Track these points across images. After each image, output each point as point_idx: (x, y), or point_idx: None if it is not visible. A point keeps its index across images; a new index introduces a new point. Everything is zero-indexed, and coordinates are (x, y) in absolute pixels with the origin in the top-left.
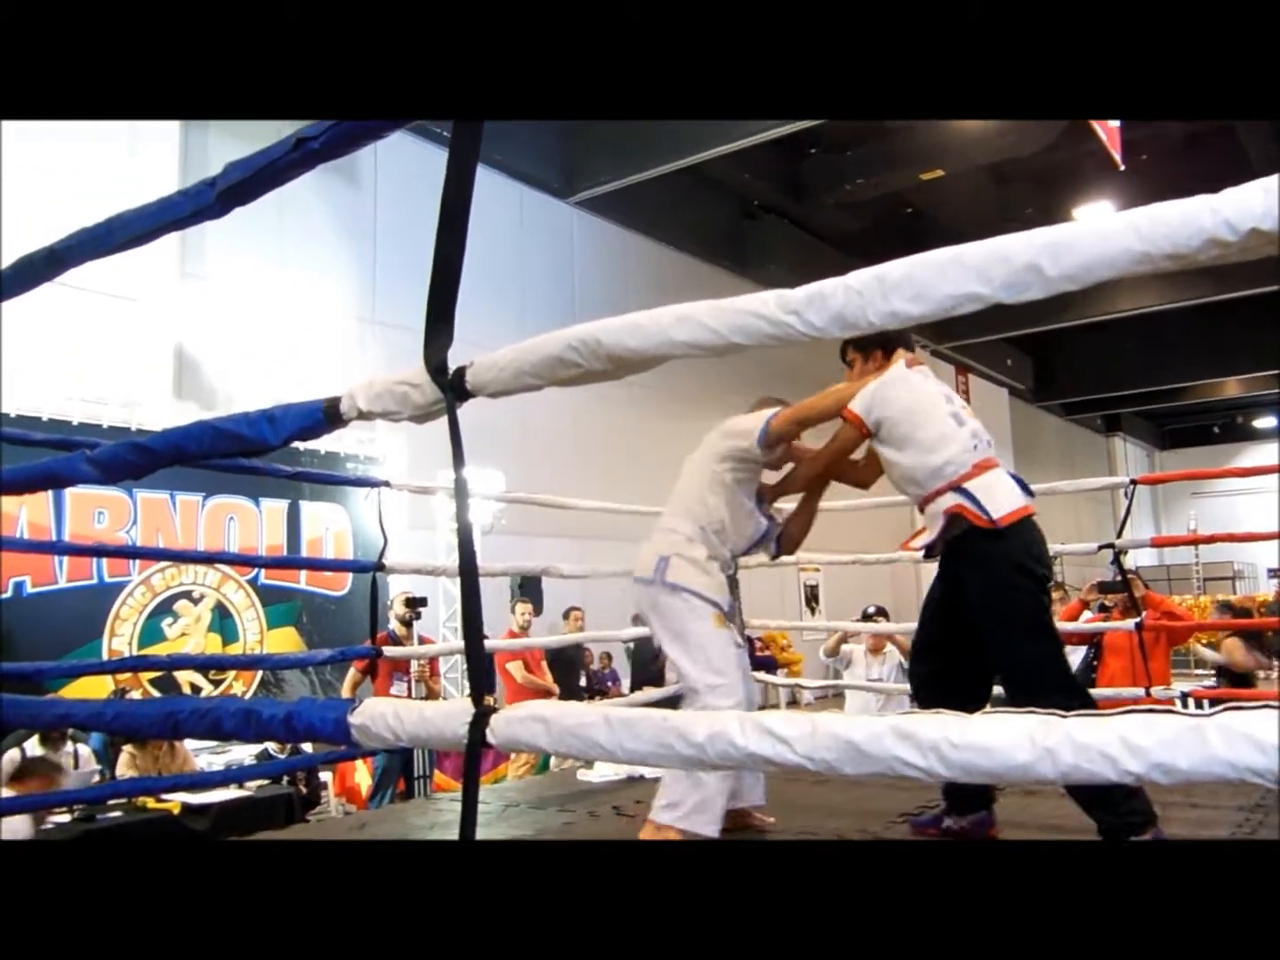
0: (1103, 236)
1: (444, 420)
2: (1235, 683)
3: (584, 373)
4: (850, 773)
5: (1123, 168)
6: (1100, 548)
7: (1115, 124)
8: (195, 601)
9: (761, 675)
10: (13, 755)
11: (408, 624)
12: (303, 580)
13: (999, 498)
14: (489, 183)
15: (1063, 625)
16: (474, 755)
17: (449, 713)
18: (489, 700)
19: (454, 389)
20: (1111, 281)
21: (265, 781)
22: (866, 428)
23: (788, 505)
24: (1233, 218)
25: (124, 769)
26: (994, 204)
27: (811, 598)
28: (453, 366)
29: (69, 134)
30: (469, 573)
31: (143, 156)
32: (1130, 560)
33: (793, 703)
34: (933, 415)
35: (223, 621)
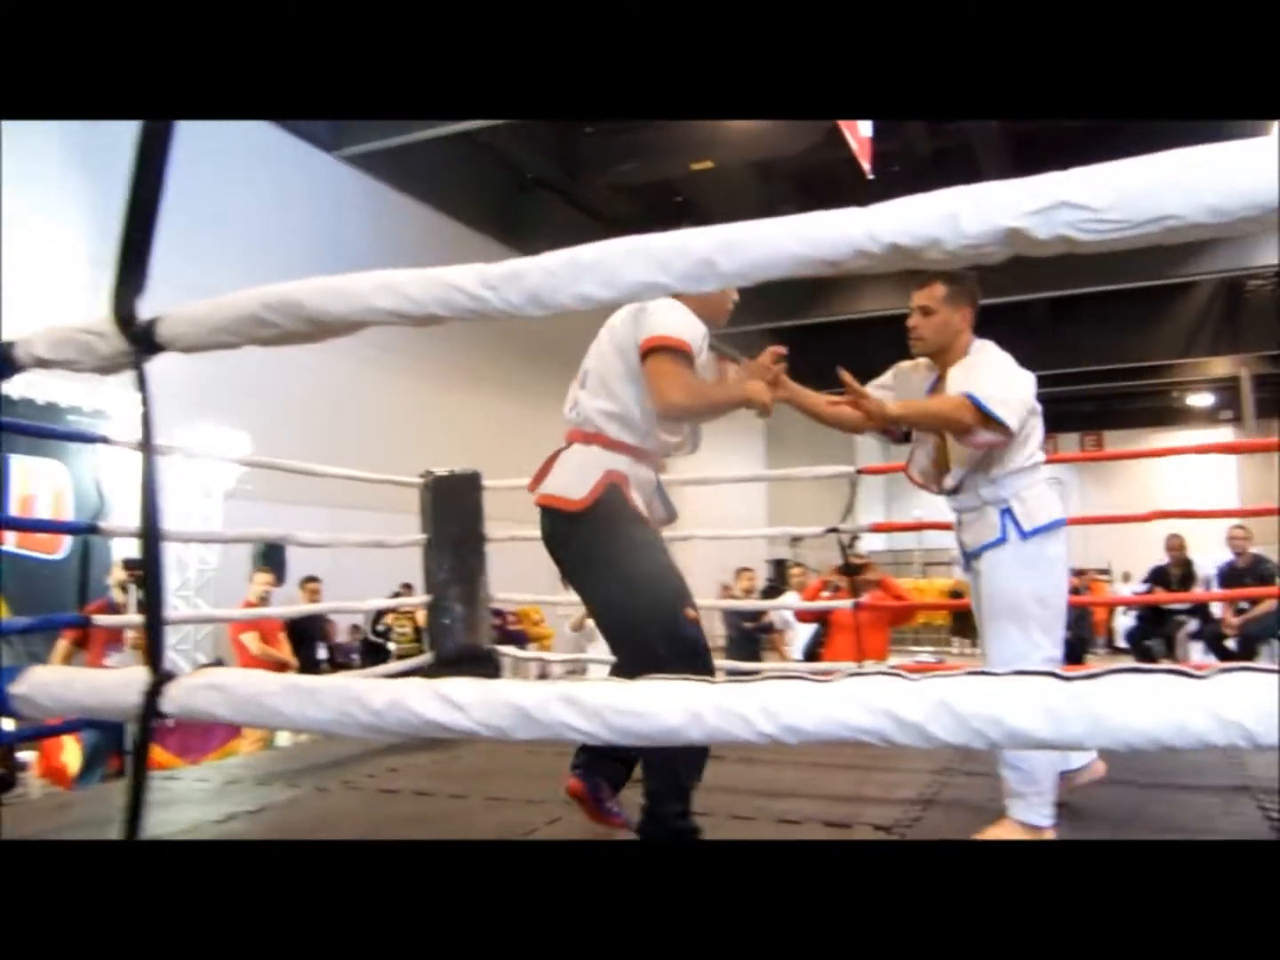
0: (768, 240)
1: (181, 373)
2: None
3: (283, 333)
4: (521, 738)
5: (871, 177)
6: (826, 531)
7: (867, 134)
8: None
9: (510, 649)
10: None
11: (127, 590)
12: (10, 541)
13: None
14: (251, 128)
15: (798, 603)
16: (146, 726)
17: (122, 681)
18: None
19: (142, 341)
20: (858, 280)
21: None
22: None
23: None
24: (875, 231)
25: None
26: (759, 199)
27: None
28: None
29: None
30: (152, 535)
31: None
32: (865, 544)
33: (542, 676)
34: None
35: None
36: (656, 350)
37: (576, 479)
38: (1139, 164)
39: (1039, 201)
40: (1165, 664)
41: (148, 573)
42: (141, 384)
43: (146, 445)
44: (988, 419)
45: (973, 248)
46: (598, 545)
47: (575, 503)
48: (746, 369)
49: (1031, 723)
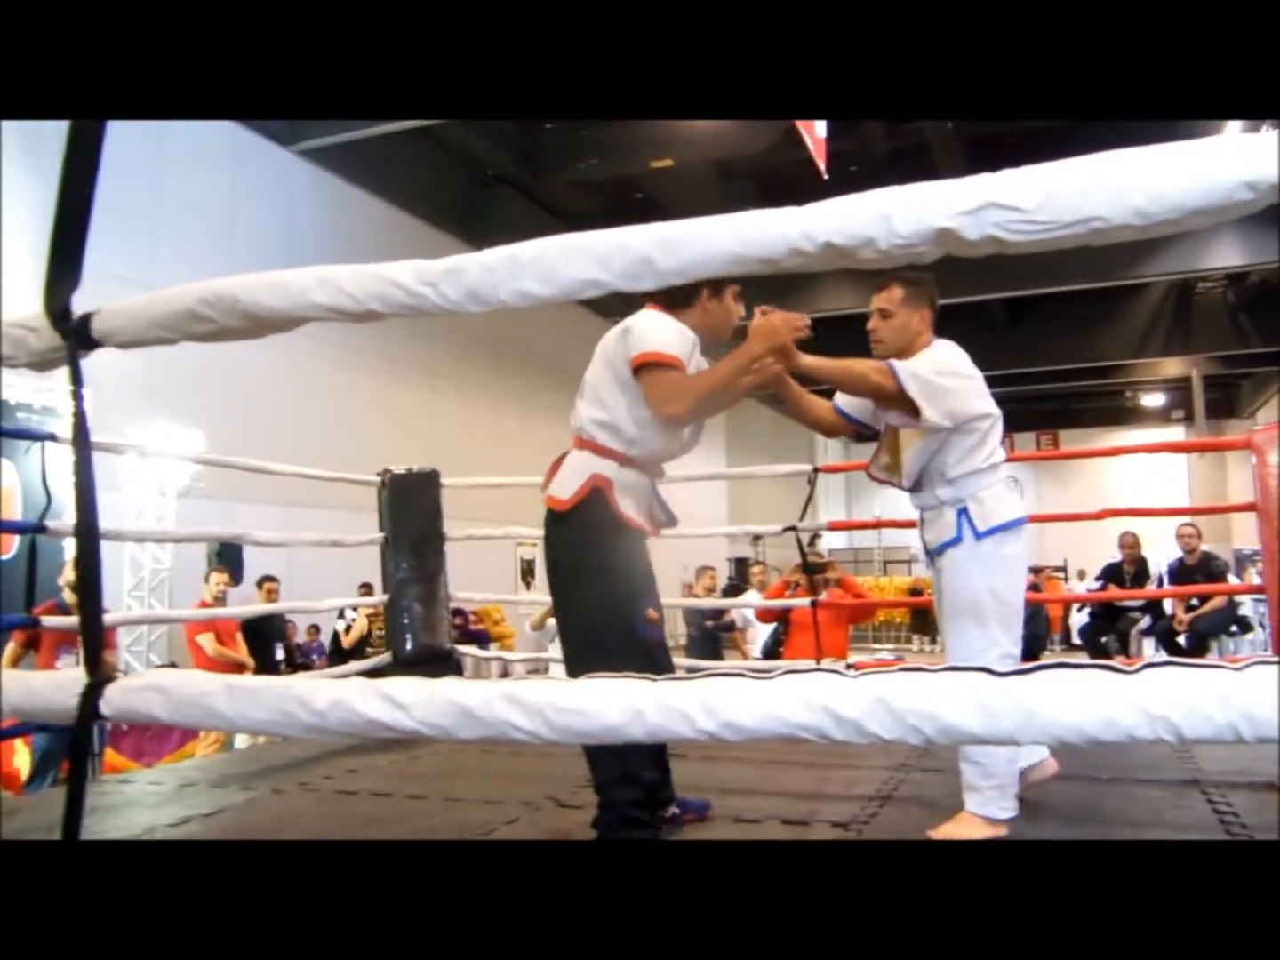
0: (706, 238)
1: (134, 370)
2: None
3: (220, 329)
4: (464, 737)
5: (826, 176)
6: (785, 530)
7: (822, 134)
8: None
9: (471, 649)
10: None
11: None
12: None
13: None
14: (202, 121)
15: (758, 602)
16: (84, 729)
17: (59, 683)
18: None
19: (76, 336)
20: (816, 280)
21: None
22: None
23: None
24: (810, 230)
25: None
26: (719, 198)
27: (527, 571)
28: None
29: None
30: (88, 533)
31: None
32: (827, 542)
33: (505, 675)
34: None
35: None
36: (645, 368)
37: (568, 481)
38: (1068, 166)
39: (969, 202)
40: (1118, 660)
41: (84, 572)
42: (76, 379)
43: (81, 441)
44: (903, 393)
45: (905, 247)
46: (574, 543)
47: (563, 502)
48: (755, 325)
49: (965, 718)
